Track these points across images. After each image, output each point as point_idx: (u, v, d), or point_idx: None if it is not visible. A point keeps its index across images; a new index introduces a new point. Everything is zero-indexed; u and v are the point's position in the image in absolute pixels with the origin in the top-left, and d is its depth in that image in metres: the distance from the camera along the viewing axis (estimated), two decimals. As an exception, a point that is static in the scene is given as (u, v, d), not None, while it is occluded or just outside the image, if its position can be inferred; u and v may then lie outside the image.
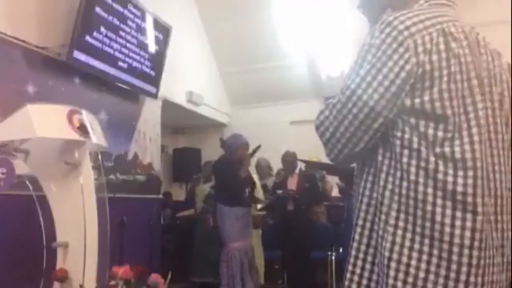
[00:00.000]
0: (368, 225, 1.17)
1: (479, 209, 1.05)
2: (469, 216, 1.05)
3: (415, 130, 1.09)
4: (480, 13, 5.21)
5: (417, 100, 1.08)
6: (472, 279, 1.04)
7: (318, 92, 6.87)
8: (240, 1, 6.21)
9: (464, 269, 1.04)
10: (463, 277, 1.04)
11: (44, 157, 2.66)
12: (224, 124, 7.52)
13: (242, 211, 4.31)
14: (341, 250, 5.20)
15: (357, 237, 1.18)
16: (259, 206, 5.14)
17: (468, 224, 1.05)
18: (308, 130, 6.86)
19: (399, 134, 1.11)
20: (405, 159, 1.10)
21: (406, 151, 1.10)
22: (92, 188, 2.65)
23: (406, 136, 1.10)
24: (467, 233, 1.04)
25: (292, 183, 5.32)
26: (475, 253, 1.04)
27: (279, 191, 5.21)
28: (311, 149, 5.68)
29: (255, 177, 5.55)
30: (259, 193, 5.30)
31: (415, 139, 1.09)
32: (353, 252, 1.18)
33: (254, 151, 4.40)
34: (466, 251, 1.04)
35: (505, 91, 1.19)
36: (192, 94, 6.30)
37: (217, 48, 7.01)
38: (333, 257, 5.13)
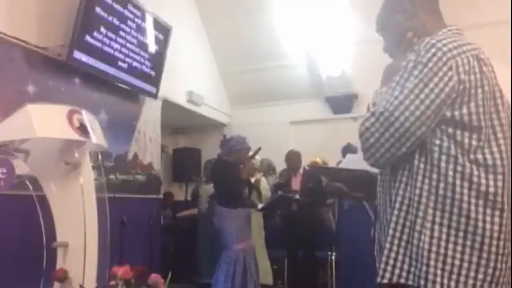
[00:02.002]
0: (401, 221, 1.34)
1: (506, 207, 1.27)
2: (497, 213, 1.26)
3: (452, 138, 1.29)
4: (480, 13, 5.21)
5: (456, 113, 1.28)
6: (499, 265, 1.26)
7: (318, 92, 6.88)
8: (240, 1, 6.21)
9: (493, 257, 1.25)
10: (491, 264, 1.25)
11: (44, 157, 2.66)
12: (224, 124, 7.52)
13: (241, 212, 4.28)
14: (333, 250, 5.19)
15: (391, 231, 1.35)
16: (259, 206, 5.14)
17: (497, 219, 1.26)
18: (308, 130, 6.91)
19: (437, 142, 1.30)
20: (443, 164, 1.29)
21: (444, 157, 1.29)
22: (92, 188, 2.65)
23: (445, 144, 1.29)
24: (496, 227, 1.25)
25: (296, 183, 5.32)
26: (501, 243, 1.26)
27: (280, 192, 5.21)
28: (311, 149, 5.71)
29: (260, 175, 5.57)
30: (264, 191, 5.32)
31: (453, 147, 1.29)
32: (387, 245, 1.35)
33: (254, 153, 4.40)
34: (494, 242, 1.25)
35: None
36: (192, 94, 6.30)
37: (217, 48, 7.00)
38: (333, 257, 5.12)
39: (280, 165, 5.99)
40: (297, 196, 5.09)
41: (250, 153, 4.43)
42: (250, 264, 4.23)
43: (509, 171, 1.30)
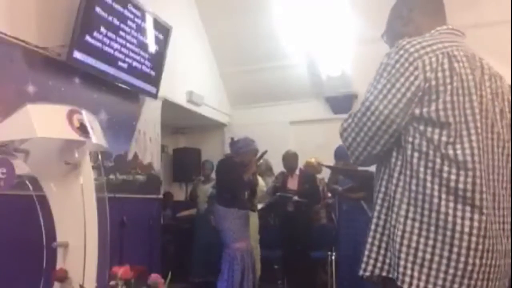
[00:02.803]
0: (382, 216, 1.39)
1: (477, 203, 1.27)
2: (468, 208, 1.27)
3: (424, 135, 1.31)
4: (480, 13, 5.21)
5: (425, 110, 1.31)
6: (470, 260, 1.25)
7: (318, 92, 6.88)
8: (240, 1, 6.21)
9: (463, 251, 1.25)
10: (462, 258, 1.25)
11: (44, 157, 2.65)
12: (224, 124, 7.52)
13: (239, 213, 4.30)
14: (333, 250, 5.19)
15: (373, 226, 1.40)
16: (259, 206, 5.14)
17: (468, 215, 1.26)
18: (308, 130, 6.91)
19: (410, 139, 1.33)
20: (415, 161, 1.32)
21: (416, 154, 1.32)
22: (92, 188, 2.65)
23: (416, 141, 1.32)
24: (467, 222, 1.26)
25: (292, 184, 5.32)
26: (473, 238, 1.25)
27: (278, 193, 5.22)
28: (311, 149, 5.71)
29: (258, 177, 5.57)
30: (260, 192, 5.32)
31: (424, 143, 1.31)
32: (369, 240, 1.40)
33: (261, 156, 4.42)
34: (465, 237, 1.25)
35: (505, 108, 1.41)
36: (192, 94, 6.30)
37: (217, 48, 7.00)
38: (333, 257, 5.13)
39: (280, 165, 5.98)
40: (296, 198, 5.10)
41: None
42: (248, 263, 4.25)
43: (483, 167, 1.30)
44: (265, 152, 4.43)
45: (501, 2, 4.85)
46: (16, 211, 3.27)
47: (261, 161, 4.88)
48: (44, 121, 2.44)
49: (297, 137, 6.83)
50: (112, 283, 2.27)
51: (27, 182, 2.76)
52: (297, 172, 5.40)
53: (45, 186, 2.71)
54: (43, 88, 3.79)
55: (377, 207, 1.40)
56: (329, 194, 5.63)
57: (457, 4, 4.76)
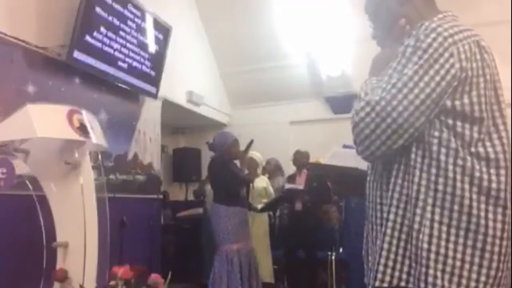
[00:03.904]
0: (399, 220, 1.25)
1: (509, 204, 1.19)
2: (500, 210, 1.18)
3: (452, 130, 1.20)
4: (480, 13, 5.20)
5: (457, 102, 1.20)
6: (501, 266, 1.18)
7: (318, 92, 6.88)
8: (240, 1, 6.21)
9: (495, 257, 1.17)
10: (494, 265, 1.17)
11: (44, 157, 2.65)
12: (224, 124, 7.52)
13: (238, 211, 4.18)
14: (341, 250, 5.19)
15: (389, 231, 1.26)
16: (259, 206, 5.13)
17: (500, 217, 1.18)
18: (308, 130, 6.90)
19: (437, 133, 1.21)
20: (443, 157, 1.20)
21: (443, 150, 1.20)
22: (92, 188, 2.65)
23: (444, 135, 1.20)
24: (499, 225, 1.17)
25: (300, 182, 5.32)
26: (504, 243, 1.18)
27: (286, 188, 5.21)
28: (311, 149, 5.71)
29: (265, 177, 5.55)
30: (269, 189, 5.32)
31: (453, 139, 1.20)
32: (386, 246, 1.26)
33: (247, 147, 4.27)
34: (497, 241, 1.17)
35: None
36: (192, 94, 6.30)
37: (217, 48, 7.00)
38: (333, 257, 5.12)
39: (283, 165, 6.00)
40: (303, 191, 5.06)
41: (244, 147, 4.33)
42: (245, 265, 4.11)
43: (510, 165, 1.22)
44: (251, 142, 4.23)
45: (501, 2, 4.85)
46: (16, 211, 3.27)
47: (253, 153, 4.77)
48: (44, 121, 2.45)
49: (297, 137, 6.82)
50: (112, 283, 2.27)
51: (27, 182, 2.76)
52: (304, 170, 5.39)
53: (45, 186, 2.72)
54: (43, 88, 3.79)
55: (393, 209, 1.26)
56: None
57: (457, 4, 4.75)
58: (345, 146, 4.62)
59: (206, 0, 6.50)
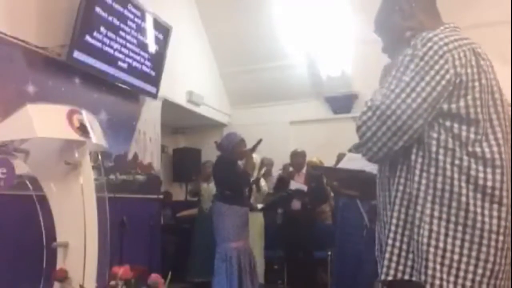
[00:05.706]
0: (402, 217, 1.34)
1: (504, 201, 1.26)
2: (495, 206, 1.25)
3: (450, 132, 1.29)
4: (480, 13, 5.21)
5: (453, 106, 1.29)
6: (498, 260, 1.25)
7: (318, 92, 6.88)
8: (240, 1, 6.21)
9: (492, 251, 1.24)
10: (491, 259, 1.24)
11: (44, 157, 2.65)
12: (224, 124, 7.52)
13: (239, 210, 4.22)
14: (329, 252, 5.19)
15: (393, 228, 1.35)
16: (259, 206, 5.13)
17: (495, 213, 1.25)
18: (308, 130, 6.87)
19: (435, 135, 1.30)
20: (441, 157, 1.29)
21: (441, 150, 1.29)
22: (92, 188, 2.65)
23: (442, 137, 1.29)
24: (494, 221, 1.25)
25: (299, 182, 5.32)
26: (500, 238, 1.25)
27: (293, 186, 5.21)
28: (311, 149, 5.71)
29: (263, 170, 5.57)
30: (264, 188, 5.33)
31: (450, 140, 1.29)
32: (390, 241, 1.35)
33: (255, 146, 4.30)
34: (493, 236, 1.24)
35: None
36: (192, 94, 6.30)
37: (217, 48, 7.00)
38: (332, 257, 5.12)
39: (279, 165, 6.00)
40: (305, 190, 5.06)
41: (250, 147, 4.36)
42: (245, 264, 4.15)
43: (508, 165, 1.29)
44: (260, 141, 4.26)
45: (501, 2, 4.85)
46: (16, 211, 3.27)
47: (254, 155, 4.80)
48: (44, 121, 2.45)
49: (297, 137, 6.83)
50: (112, 283, 2.27)
51: (27, 182, 2.76)
52: (303, 171, 5.39)
53: (45, 186, 2.71)
54: (43, 88, 3.79)
55: (396, 207, 1.35)
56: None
57: (457, 4, 4.77)
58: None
59: (206, 0, 6.50)
